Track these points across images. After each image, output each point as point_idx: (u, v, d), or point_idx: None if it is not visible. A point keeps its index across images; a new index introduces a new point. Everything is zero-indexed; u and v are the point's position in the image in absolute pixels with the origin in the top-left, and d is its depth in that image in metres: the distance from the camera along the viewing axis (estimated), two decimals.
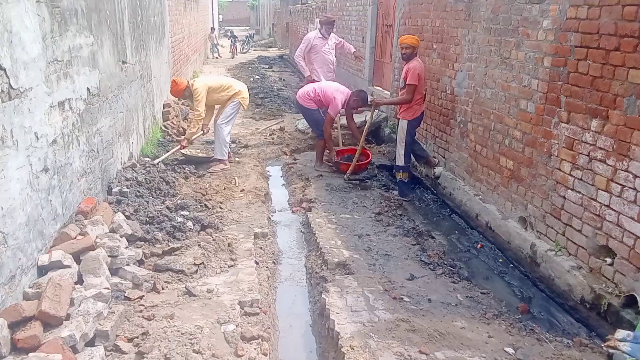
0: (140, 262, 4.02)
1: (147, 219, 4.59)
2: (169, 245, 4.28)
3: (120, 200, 4.77)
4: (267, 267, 4.40)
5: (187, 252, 4.17)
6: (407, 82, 6.01)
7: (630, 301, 3.36)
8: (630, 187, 3.42)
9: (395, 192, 6.34)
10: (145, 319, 3.14)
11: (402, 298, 3.60)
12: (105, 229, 3.98)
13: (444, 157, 6.52)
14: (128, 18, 6.27)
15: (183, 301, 3.47)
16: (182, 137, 7.08)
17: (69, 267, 3.24)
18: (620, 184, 3.51)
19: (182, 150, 7.27)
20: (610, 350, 2.99)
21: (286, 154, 8.23)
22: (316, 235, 4.90)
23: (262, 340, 3.06)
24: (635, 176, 3.37)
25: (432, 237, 5.13)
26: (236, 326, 3.17)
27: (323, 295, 3.63)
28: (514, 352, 3.01)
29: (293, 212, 5.94)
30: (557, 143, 4.21)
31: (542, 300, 4.08)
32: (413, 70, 5.95)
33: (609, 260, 3.63)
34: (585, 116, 3.87)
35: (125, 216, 4.46)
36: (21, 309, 2.72)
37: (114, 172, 5.29)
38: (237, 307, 3.44)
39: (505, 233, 4.87)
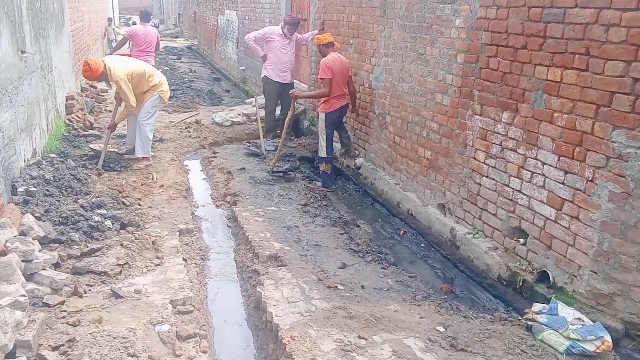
0: (56, 266, 3.73)
1: (61, 220, 4.26)
2: (87, 246, 4.01)
3: (28, 201, 4.38)
4: (195, 263, 4.28)
5: (108, 252, 3.94)
6: (318, 77, 6.10)
7: (542, 277, 3.69)
8: (539, 174, 3.74)
9: (319, 184, 6.41)
10: (70, 325, 2.93)
11: (337, 286, 3.67)
12: (14, 232, 3.63)
13: (364, 149, 6.70)
14: (26, 4, 5.74)
15: (110, 304, 3.27)
16: (111, 123, 6.45)
17: None
18: (530, 171, 3.83)
19: (91, 145, 6.82)
20: (529, 322, 3.27)
21: (204, 147, 8.02)
22: (244, 229, 4.84)
23: (199, 338, 2.98)
24: (544, 163, 3.69)
25: (358, 226, 5.27)
26: (171, 326, 3.06)
27: (258, 289, 3.59)
28: (444, 330, 3.19)
29: (217, 206, 5.81)
30: (472, 134, 4.49)
31: (463, 280, 4.35)
32: (322, 64, 6.04)
33: (522, 240, 3.95)
34: (496, 109, 4.17)
35: (36, 217, 4.10)
36: None
37: (17, 170, 4.83)
38: (169, 307, 3.31)
39: (426, 219, 5.13)
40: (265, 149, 7.52)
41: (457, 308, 3.65)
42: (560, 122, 3.53)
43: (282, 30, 7.88)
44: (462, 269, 4.47)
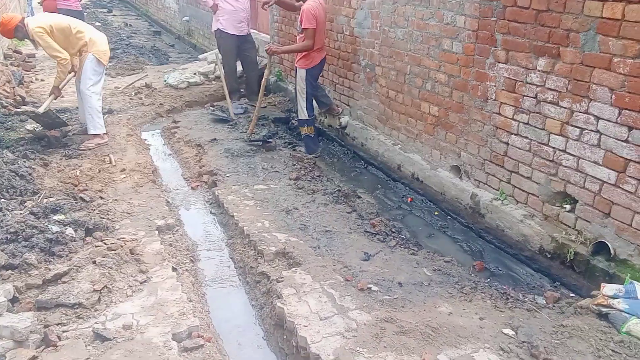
0: (13, 301, 2.91)
1: (9, 236, 3.40)
2: (49, 269, 3.18)
3: None
4: (186, 269, 3.55)
5: (78, 275, 3.13)
6: (302, 27, 5.23)
7: (598, 249, 3.22)
8: (591, 130, 3.18)
9: (303, 149, 5.69)
10: None
11: (370, 288, 3.06)
12: None
13: (348, 105, 5.97)
14: None
15: (96, 352, 2.53)
16: (52, 87, 5.53)
17: None
18: (578, 127, 3.26)
19: (28, 127, 5.76)
20: (603, 309, 2.80)
21: (162, 116, 7.06)
22: (235, 217, 4.11)
23: None
24: (599, 118, 3.13)
25: (359, 197, 4.64)
26: None
27: (278, 304, 2.92)
28: (514, 333, 2.67)
29: (193, 188, 5.00)
30: (494, 85, 3.86)
31: (494, 253, 3.86)
32: (307, 12, 5.17)
33: (567, 207, 3.44)
34: (529, 55, 3.53)
35: None
36: None
37: None
38: (173, 345, 2.61)
39: (437, 184, 4.55)
40: (234, 113, 6.65)
41: (505, 293, 3.14)
42: (623, 68, 2.94)
43: None
44: (490, 240, 3.98)
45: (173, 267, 3.41)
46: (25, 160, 4.71)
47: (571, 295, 3.23)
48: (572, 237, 3.39)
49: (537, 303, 3.06)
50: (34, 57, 9.32)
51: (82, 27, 5.51)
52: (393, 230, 3.90)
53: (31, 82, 8.07)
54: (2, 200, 3.93)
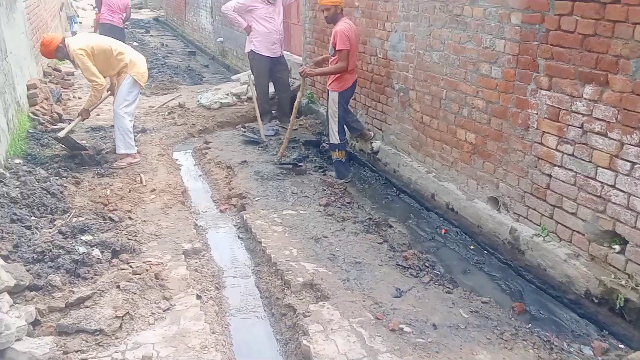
0: (35, 324, 2.86)
1: (35, 256, 3.37)
2: (72, 292, 3.13)
3: None
4: (211, 297, 3.45)
5: (101, 300, 3.06)
6: (336, 49, 5.17)
7: None
8: None
9: (333, 174, 5.57)
10: None
11: (402, 328, 2.88)
12: None
13: (380, 130, 5.84)
14: None
15: None
16: (81, 109, 5.65)
17: None
18: (629, 161, 3.05)
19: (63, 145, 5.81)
20: None
21: (194, 136, 7.07)
22: (262, 243, 4.00)
23: None
24: None
25: (391, 226, 4.47)
26: None
27: (304, 341, 2.78)
28: None
29: (221, 211, 4.93)
30: (536, 113, 3.68)
31: (534, 294, 3.62)
32: (341, 33, 5.12)
33: (616, 247, 3.20)
34: (574, 82, 3.35)
35: (2, 257, 3.20)
36: None
37: None
38: None
39: (474, 216, 4.35)
40: (265, 135, 6.61)
41: (549, 342, 2.92)
42: None
43: None
44: (530, 279, 3.73)
45: (197, 294, 3.31)
46: (57, 177, 4.74)
47: (620, 346, 2.98)
48: (622, 281, 3.14)
49: (583, 354, 2.84)
50: (73, 75, 9.55)
51: (122, 48, 5.59)
52: (426, 264, 3.72)
53: (69, 99, 8.25)
54: (33, 218, 3.92)
